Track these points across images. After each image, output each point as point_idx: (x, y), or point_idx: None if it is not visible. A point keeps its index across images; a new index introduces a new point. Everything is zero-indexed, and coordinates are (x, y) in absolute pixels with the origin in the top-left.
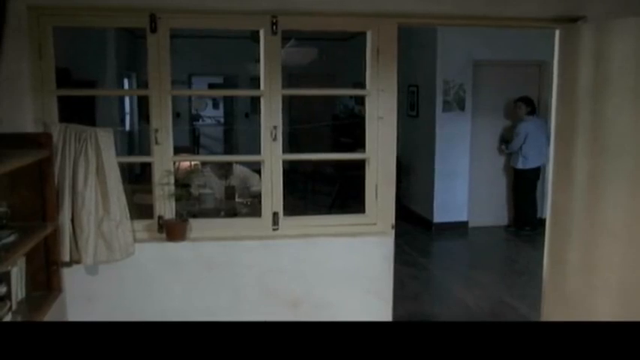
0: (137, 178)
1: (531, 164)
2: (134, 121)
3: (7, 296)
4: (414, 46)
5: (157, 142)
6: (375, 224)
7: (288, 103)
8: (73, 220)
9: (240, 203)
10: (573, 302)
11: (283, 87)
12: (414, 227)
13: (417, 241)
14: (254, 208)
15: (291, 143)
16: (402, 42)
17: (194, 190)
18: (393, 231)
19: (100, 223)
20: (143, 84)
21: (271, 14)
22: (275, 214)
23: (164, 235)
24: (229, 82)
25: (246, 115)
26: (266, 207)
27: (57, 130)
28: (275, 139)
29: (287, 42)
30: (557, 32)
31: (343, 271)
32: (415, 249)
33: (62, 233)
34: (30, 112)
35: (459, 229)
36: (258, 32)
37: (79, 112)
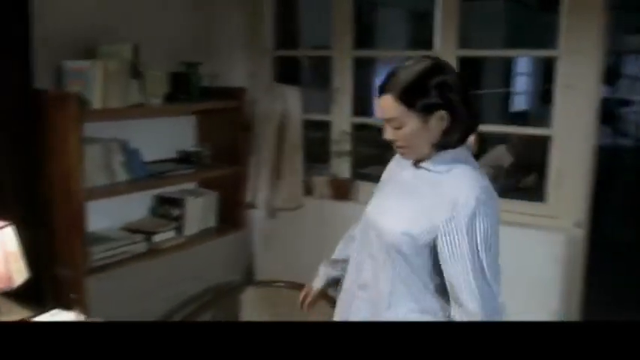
0: None
1: None
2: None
3: (179, 219)
4: None
5: (334, 102)
6: (554, 218)
7: None
8: (257, 168)
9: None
10: None
11: None
12: None
13: None
14: None
15: None
16: None
17: None
18: (580, 230)
19: (276, 174)
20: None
21: None
22: None
23: (332, 193)
24: None
25: None
26: None
27: (261, 87)
28: None
29: None
30: None
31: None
32: None
33: (247, 178)
34: (244, 68)
35: None
36: None
37: None
